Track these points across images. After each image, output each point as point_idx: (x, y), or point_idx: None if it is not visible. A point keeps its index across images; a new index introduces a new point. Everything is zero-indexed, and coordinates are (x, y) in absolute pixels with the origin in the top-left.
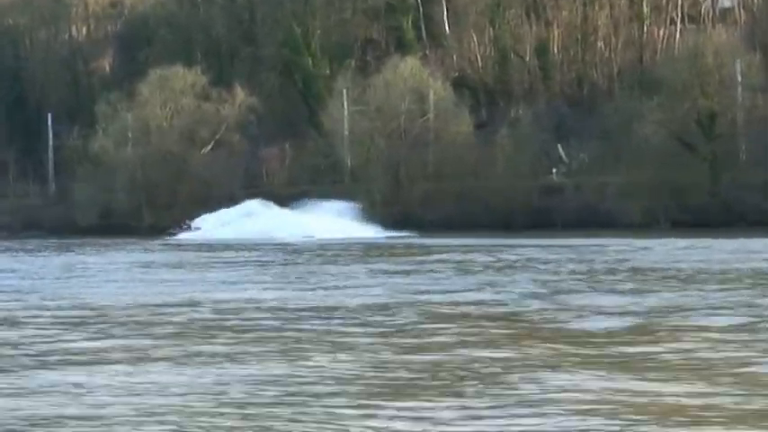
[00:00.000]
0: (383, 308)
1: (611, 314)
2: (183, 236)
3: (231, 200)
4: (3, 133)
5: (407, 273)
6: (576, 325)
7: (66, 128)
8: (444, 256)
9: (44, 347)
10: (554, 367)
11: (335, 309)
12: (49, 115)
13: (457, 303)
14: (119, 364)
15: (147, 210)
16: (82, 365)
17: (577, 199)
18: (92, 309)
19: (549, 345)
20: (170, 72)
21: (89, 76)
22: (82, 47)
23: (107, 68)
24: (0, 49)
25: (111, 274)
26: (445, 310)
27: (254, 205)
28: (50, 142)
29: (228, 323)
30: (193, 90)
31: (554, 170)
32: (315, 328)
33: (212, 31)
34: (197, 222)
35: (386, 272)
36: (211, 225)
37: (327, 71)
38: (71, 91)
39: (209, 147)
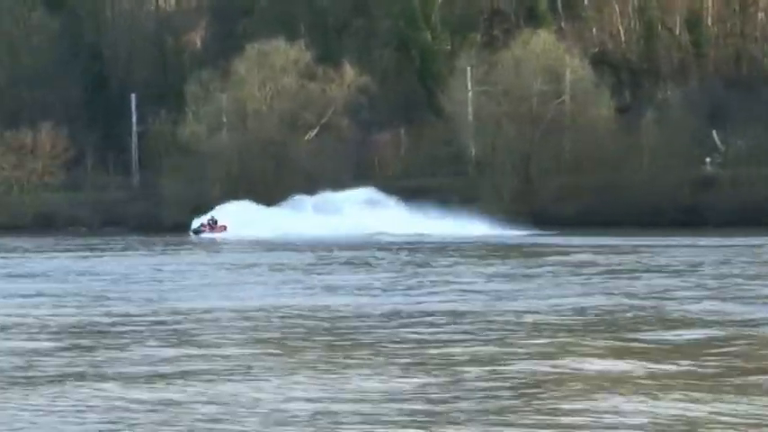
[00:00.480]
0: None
1: None
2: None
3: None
4: (81, 117)
5: (529, 277)
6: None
7: (152, 111)
8: (583, 257)
9: (198, 356)
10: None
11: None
12: (133, 97)
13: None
14: (297, 374)
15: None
16: (250, 378)
17: (734, 193)
18: (211, 312)
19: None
20: (270, 47)
21: (178, 52)
22: (170, 19)
23: (198, 43)
24: (78, 22)
25: (220, 277)
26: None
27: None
28: (134, 128)
29: (371, 331)
30: (296, 68)
31: (707, 160)
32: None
33: (318, 1)
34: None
35: (507, 276)
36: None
37: (449, 47)
38: (158, 69)
39: (314, 132)
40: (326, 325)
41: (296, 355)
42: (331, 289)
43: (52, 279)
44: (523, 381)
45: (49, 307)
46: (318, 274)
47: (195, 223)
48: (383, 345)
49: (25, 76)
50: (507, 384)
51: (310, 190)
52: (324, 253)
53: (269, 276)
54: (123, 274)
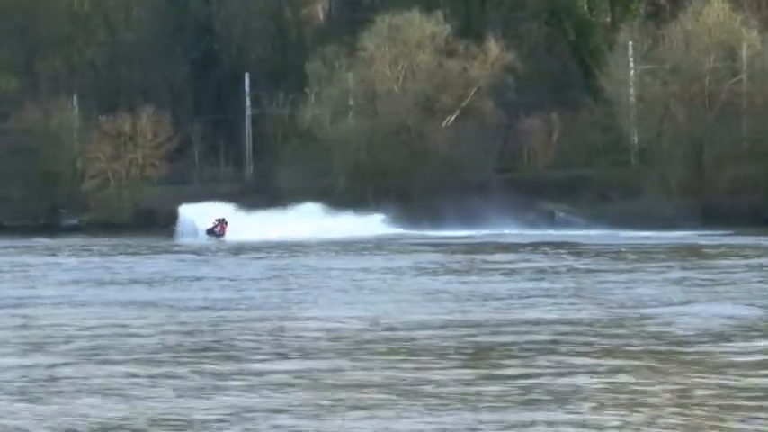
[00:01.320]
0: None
1: None
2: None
3: (481, 187)
4: (187, 101)
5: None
6: None
7: (268, 93)
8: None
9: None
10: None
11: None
12: (246, 77)
13: None
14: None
15: (375, 200)
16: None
17: None
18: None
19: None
20: (403, 20)
21: (298, 26)
22: None
23: (321, 16)
24: None
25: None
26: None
27: None
28: (248, 112)
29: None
30: (433, 43)
31: None
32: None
33: None
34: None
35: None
36: None
37: (608, 18)
38: (275, 46)
39: (453, 117)
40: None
41: None
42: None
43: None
44: None
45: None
46: (476, 280)
47: (206, 224)
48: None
49: (124, 55)
50: None
51: (449, 182)
52: (455, 256)
53: (441, 283)
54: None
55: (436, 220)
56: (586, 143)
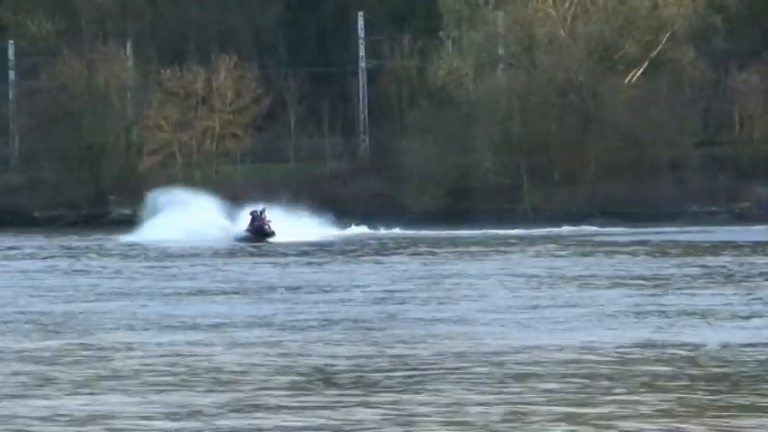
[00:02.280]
0: None
1: None
2: None
3: (675, 167)
4: (279, 49)
5: None
6: None
7: (389, 39)
8: None
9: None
10: None
11: None
12: (360, 17)
13: None
14: None
15: (531, 183)
16: None
17: None
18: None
19: None
20: None
21: None
22: None
23: None
24: None
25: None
26: None
27: None
28: (361, 64)
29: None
30: None
31: None
32: None
33: None
34: None
35: None
36: None
37: None
38: None
39: (640, 71)
40: None
41: None
42: None
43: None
44: None
45: None
46: (679, 290)
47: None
48: None
49: None
50: None
51: (632, 160)
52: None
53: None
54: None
55: (613, 211)
56: None
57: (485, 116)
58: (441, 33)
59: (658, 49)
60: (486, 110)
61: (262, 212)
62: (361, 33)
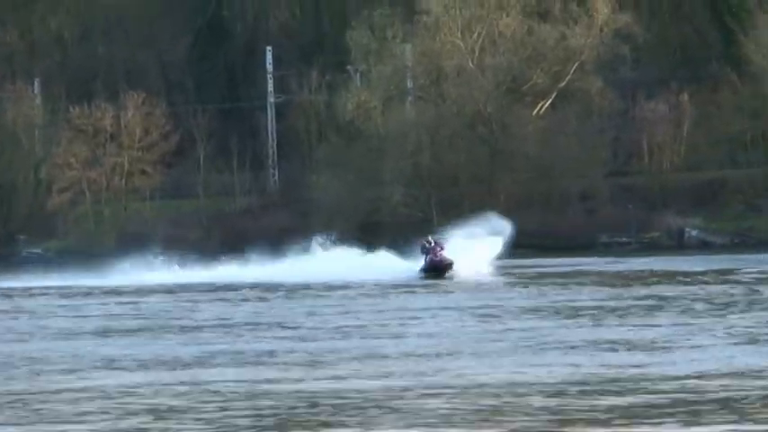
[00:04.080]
0: None
1: None
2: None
3: (585, 197)
4: (188, 85)
5: None
6: None
7: (297, 74)
8: None
9: None
10: None
11: None
12: (268, 52)
13: None
14: None
15: (441, 216)
16: None
17: None
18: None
19: None
20: None
21: None
22: None
23: None
24: None
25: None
26: None
27: None
28: (270, 99)
29: None
30: (520, 2)
31: None
32: None
33: None
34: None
35: None
36: None
37: None
38: (305, 9)
39: (548, 102)
40: None
41: None
42: None
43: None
44: None
45: None
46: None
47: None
48: None
49: (102, 25)
50: None
51: (541, 191)
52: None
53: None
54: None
55: (524, 243)
56: (728, 135)
57: (394, 149)
58: (349, 67)
59: (566, 79)
60: (395, 143)
61: (433, 244)
62: (270, 68)
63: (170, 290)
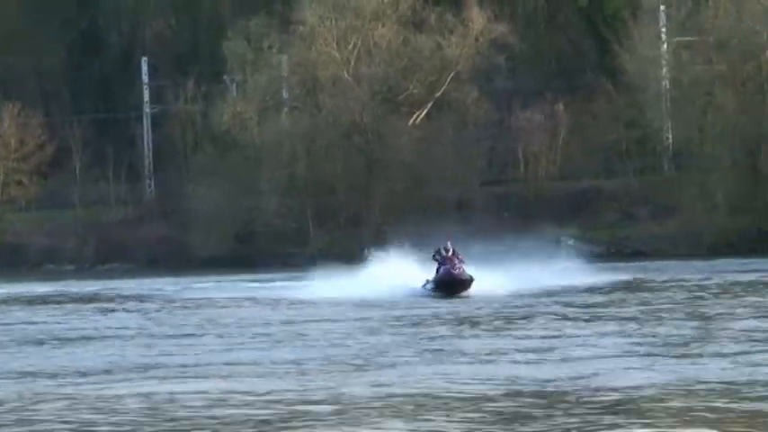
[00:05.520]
0: None
1: None
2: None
3: (460, 206)
4: (63, 95)
5: None
6: None
7: (173, 84)
8: None
9: None
10: None
11: None
12: (144, 62)
13: None
14: None
15: (317, 226)
16: None
17: None
18: None
19: None
20: None
21: None
22: None
23: None
24: None
25: None
26: None
27: None
28: (146, 109)
29: None
30: (396, 13)
31: None
32: None
33: None
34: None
35: None
36: None
37: None
38: (180, 20)
39: (424, 112)
40: None
41: None
42: None
43: None
44: None
45: None
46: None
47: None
48: None
49: None
50: None
51: (417, 201)
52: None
53: None
54: None
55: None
56: (603, 144)
57: (270, 159)
58: (225, 77)
59: (442, 89)
60: (271, 153)
61: (451, 252)
62: (146, 78)
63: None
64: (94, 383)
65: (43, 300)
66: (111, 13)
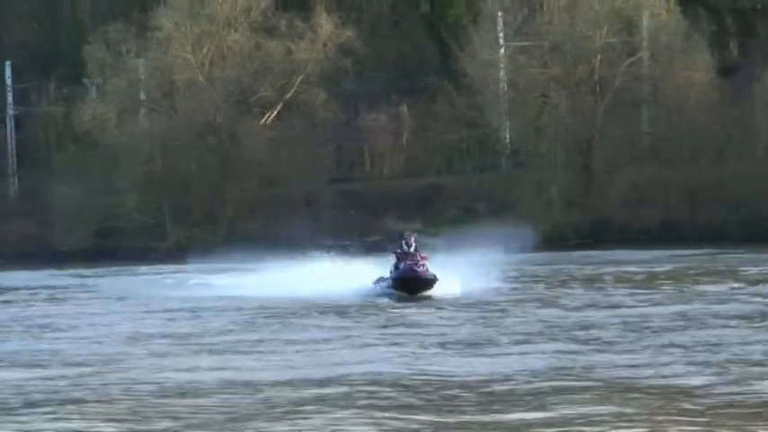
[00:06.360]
0: None
1: None
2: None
3: (310, 203)
4: None
5: None
6: None
7: (36, 86)
8: None
9: None
10: None
11: None
12: (7, 66)
13: None
14: None
15: (173, 222)
16: None
17: None
18: None
19: None
20: None
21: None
22: None
23: None
24: None
25: None
26: None
27: None
28: (9, 111)
29: None
30: (248, 19)
31: None
32: None
33: None
34: None
35: None
36: None
37: None
38: (42, 24)
39: (275, 113)
40: None
41: None
42: None
43: None
44: None
45: None
46: None
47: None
48: None
49: None
50: None
51: (268, 198)
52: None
53: None
54: None
55: (251, 246)
56: (445, 144)
57: (128, 159)
58: (85, 80)
59: (292, 91)
60: (129, 153)
61: (414, 247)
62: (9, 81)
63: None
64: None
65: None
66: None
